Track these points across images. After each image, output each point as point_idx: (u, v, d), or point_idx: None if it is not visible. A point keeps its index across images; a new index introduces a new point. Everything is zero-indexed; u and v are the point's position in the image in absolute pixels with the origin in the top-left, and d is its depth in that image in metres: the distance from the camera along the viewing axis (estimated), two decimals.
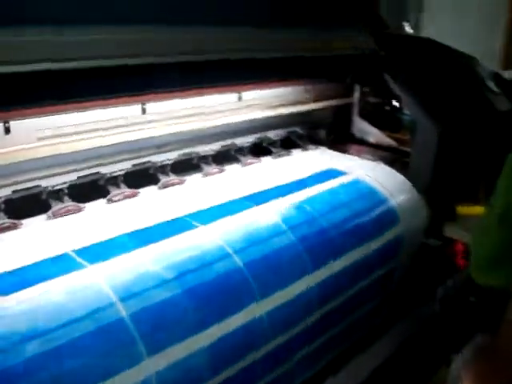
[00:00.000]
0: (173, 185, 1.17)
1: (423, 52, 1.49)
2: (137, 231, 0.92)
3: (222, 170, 1.28)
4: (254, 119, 1.37)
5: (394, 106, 1.60)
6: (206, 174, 1.24)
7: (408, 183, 1.35)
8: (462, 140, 1.36)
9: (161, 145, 1.19)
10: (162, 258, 0.86)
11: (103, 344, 0.72)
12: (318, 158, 1.45)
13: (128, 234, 0.91)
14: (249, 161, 1.36)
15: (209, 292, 0.85)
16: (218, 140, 1.33)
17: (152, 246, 0.87)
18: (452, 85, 1.42)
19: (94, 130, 1.04)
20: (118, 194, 1.08)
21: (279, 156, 1.43)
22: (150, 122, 1.13)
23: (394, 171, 1.38)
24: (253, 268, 0.91)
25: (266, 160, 1.40)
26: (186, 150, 1.24)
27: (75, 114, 1.02)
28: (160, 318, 0.78)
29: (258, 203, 1.07)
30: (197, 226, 0.96)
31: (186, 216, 0.99)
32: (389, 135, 1.59)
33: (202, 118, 1.24)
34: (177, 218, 0.98)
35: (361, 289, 1.11)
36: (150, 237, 0.91)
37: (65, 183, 1.05)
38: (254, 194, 1.12)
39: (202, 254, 0.89)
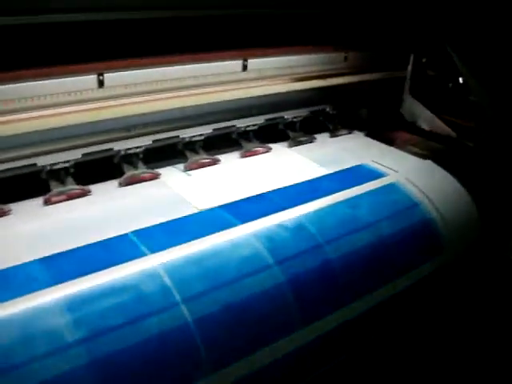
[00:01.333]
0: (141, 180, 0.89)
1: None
2: (51, 259, 0.66)
3: (214, 161, 0.98)
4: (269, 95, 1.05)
5: (460, 84, 1.22)
6: (188, 168, 0.94)
7: (465, 193, 1.00)
8: None
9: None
10: (67, 307, 0.59)
11: None
12: (348, 148, 1.12)
13: (40, 262, 0.65)
14: (255, 148, 1.05)
15: (129, 362, 0.58)
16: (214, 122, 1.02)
17: (57, 288, 0.61)
18: None
19: None
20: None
21: (297, 143, 1.11)
22: None
23: (447, 174, 1.03)
24: (206, 326, 0.63)
25: (278, 148, 1.09)
26: (164, 135, 0.94)
27: None
28: None
29: (240, 218, 0.78)
30: (144, 254, 0.68)
31: (131, 233, 0.72)
32: (452, 121, 1.22)
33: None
34: (117, 237, 0.71)
35: None
36: (65, 269, 0.64)
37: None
38: (237, 202, 0.82)
39: (134, 302, 0.62)
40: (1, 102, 0.75)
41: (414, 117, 1.24)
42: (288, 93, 1.07)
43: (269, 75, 1.03)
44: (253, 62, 1.00)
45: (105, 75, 0.82)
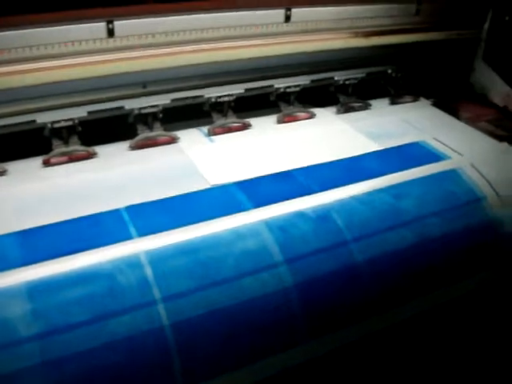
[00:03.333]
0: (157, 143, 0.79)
1: None
2: (28, 234, 0.58)
3: (244, 126, 0.86)
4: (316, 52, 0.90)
5: None
6: (212, 132, 0.83)
7: None
8: None
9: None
10: (28, 294, 0.51)
11: None
12: (409, 119, 0.95)
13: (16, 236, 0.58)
14: (296, 113, 0.91)
15: (86, 367, 0.50)
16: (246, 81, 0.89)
17: (22, 270, 0.53)
18: None
19: None
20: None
21: (348, 109, 0.96)
22: None
23: None
24: (185, 333, 0.53)
25: (324, 114, 0.94)
26: (184, 94, 0.83)
27: None
28: None
29: (254, 200, 0.66)
30: (130, 236, 0.59)
31: (124, 209, 0.62)
32: None
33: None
34: (107, 213, 0.62)
35: None
36: (40, 248, 0.56)
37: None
38: (257, 180, 0.70)
39: (104, 295, 0.53)
40: None
41: (485, 89, 1.03)
42: (340, 50, 0.91)
43: (316, 28, 0.88)
44: (297, 12, 0.85)
45: (115, 23, 0.72)
